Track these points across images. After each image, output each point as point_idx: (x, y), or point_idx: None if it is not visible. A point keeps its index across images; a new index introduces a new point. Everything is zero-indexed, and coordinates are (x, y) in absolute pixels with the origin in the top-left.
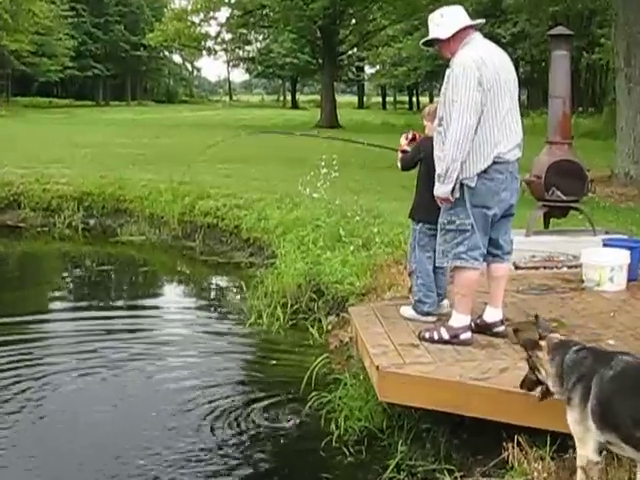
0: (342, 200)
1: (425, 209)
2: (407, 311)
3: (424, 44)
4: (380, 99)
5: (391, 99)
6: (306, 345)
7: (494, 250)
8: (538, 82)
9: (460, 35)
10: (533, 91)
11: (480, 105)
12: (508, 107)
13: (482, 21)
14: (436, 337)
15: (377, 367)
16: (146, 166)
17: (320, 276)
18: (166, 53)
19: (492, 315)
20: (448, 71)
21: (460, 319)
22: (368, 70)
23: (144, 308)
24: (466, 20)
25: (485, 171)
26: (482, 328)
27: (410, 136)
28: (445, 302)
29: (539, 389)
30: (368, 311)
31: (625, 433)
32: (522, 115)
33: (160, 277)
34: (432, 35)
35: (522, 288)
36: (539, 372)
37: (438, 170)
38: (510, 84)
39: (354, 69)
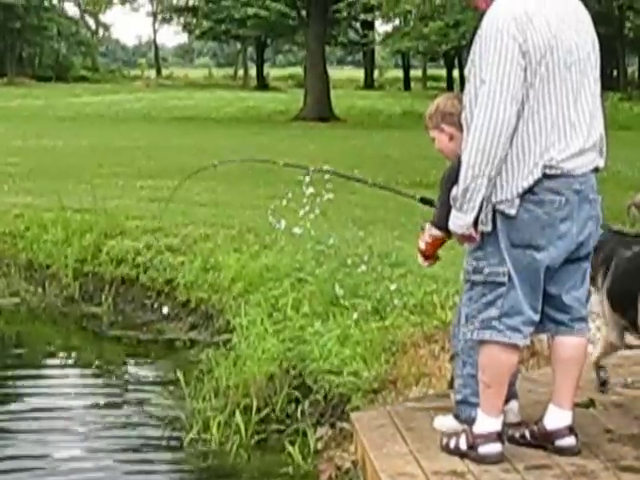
0: (340, 238)
1: None
2: (445, 422)
3: None
4: (400, 73)
5: (418, 73)
6: (283, 475)
7: (557, 314)
8: None
9: None
10: None
11: (523, 88)
12: (571, 90)
13: None
14: (452, 446)
15: None
16: (21, 183)
17: (305, 362)
18: (54, 1)
19: (556, 419)
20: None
21: (484, 422)
22: (380, 27)
23: (16, 418)
24: None
25: (531, 190)
26: (541, 439)
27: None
28: (514, 404)
29: None
30: (383, 418)
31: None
32: (621, 100)
33: (44, 365)
34: None
35: (633, 379)
36: None
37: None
38: (579, 53)
39: (358, 26)
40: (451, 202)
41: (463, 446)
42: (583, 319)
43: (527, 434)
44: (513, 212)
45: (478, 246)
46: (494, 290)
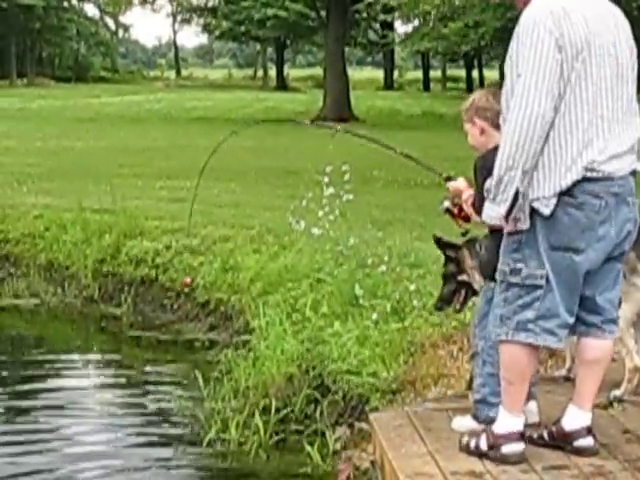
0: (359, 239)
1: None
2: (464, 422)
3: None
4: (420, 74)
5: (438, 74)
6: (302, 475)
7: (589, 316)
8: None
9: None
10: None
11: (559, 82)
12: (609, 90)
13: None
14: (472, 446)
15: None
16: (41, 185)
17: (324, 362)
18: (74, 1)
19: (574, 420)
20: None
21: (505, 421)
22: (400, 28)
23: (35, 417)
24: None
25: (569, 192)
26: (559, 439)
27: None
28: (532, 405)
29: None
30: (402, 419)
31: None
32: None
33: (64, 365)
34: None
35: None
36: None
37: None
38: (617, 53)
39: (378, 26)
40: (484, 193)
41: (484, 446)
42: (614, 321)
43: (545, 435)
44: (547, 211)
45: (515, 248)
46: (531, 292)
